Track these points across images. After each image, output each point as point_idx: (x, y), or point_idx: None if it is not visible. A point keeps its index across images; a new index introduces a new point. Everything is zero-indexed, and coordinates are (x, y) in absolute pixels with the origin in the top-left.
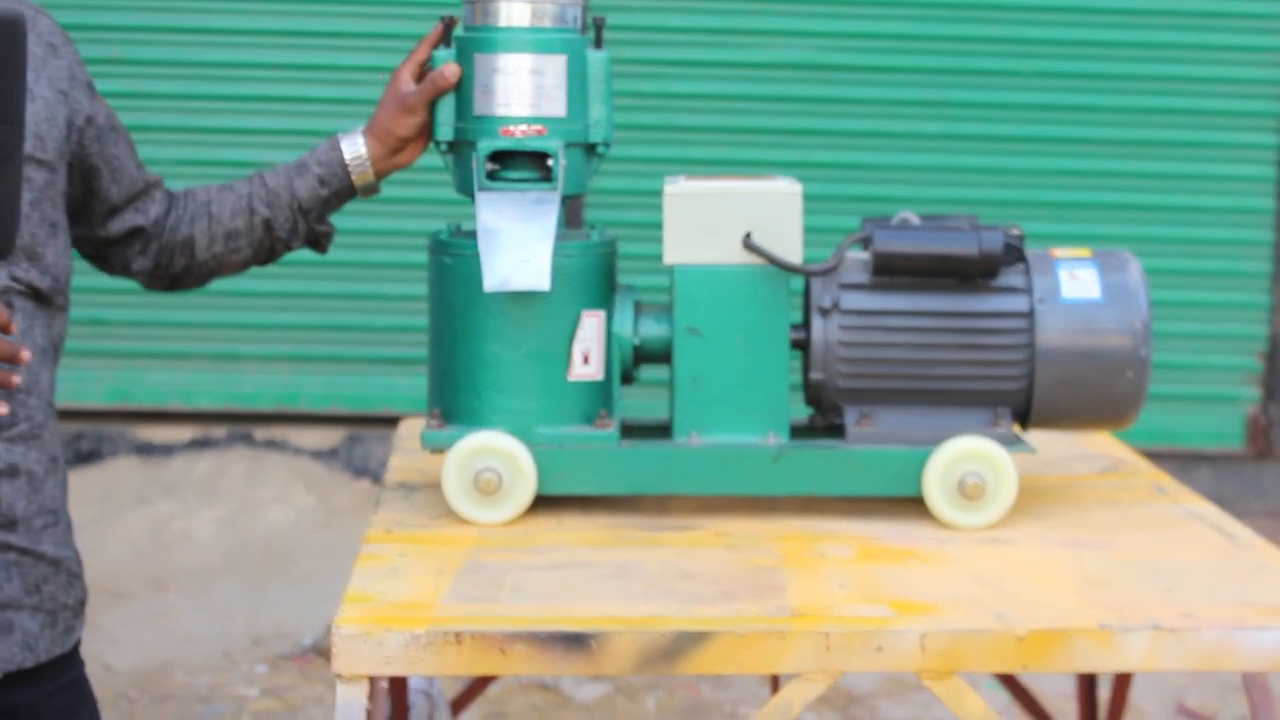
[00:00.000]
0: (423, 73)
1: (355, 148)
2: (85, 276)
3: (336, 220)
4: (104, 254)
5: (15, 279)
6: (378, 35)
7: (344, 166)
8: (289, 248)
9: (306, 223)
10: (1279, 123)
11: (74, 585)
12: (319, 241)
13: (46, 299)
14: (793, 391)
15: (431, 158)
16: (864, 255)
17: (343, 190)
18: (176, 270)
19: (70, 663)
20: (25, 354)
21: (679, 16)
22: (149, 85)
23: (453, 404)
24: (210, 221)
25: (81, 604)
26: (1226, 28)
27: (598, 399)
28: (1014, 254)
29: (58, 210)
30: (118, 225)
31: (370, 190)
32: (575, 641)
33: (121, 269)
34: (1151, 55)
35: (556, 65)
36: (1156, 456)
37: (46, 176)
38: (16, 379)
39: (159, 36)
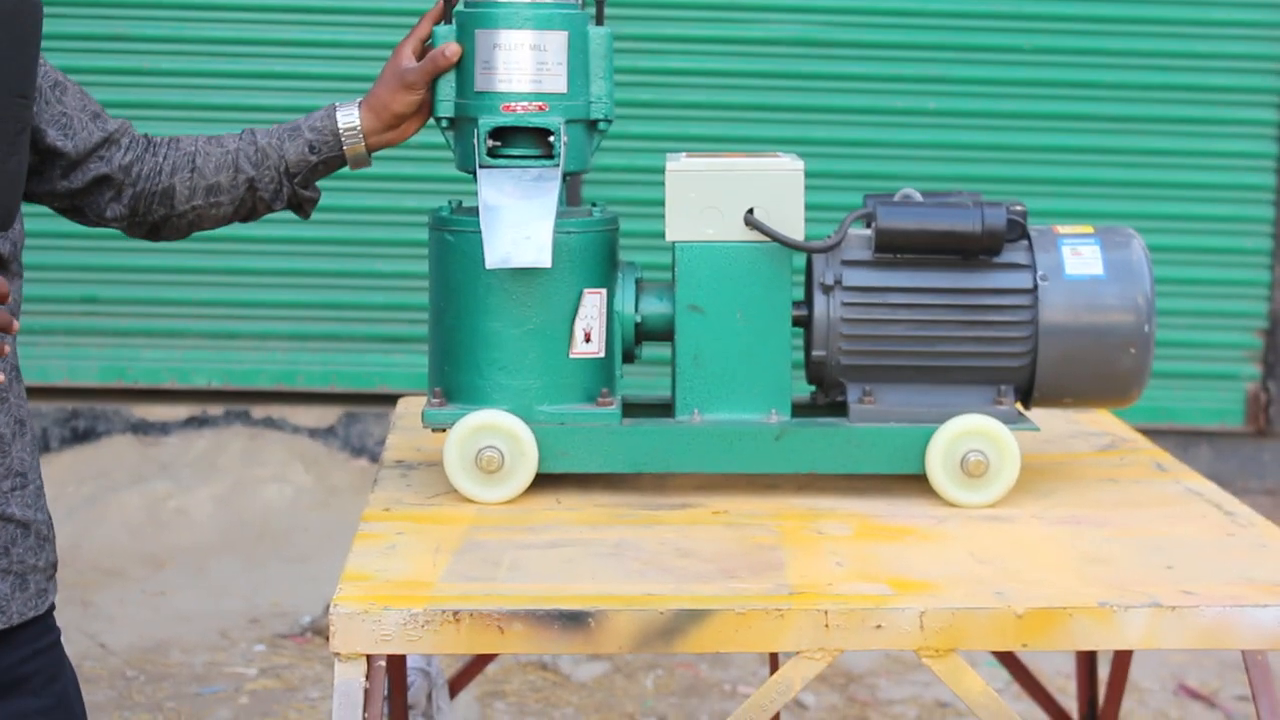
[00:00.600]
0: (424, 50)
1: (350, 118)
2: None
3: (334, 196)
4: (76, 206)
5: None
6: (381, 11)
7: (336, 135)
8: (270, 209)
9: (291, 186)
10: None
11: (44, 548)
12: (302, 206)
13: (5, 264)
14: (795, 369)
15: (430, 134)
16: (866, 232)
17: (332, 159)
18: (155, 219)
19: (46, 626)
20: (16, 324)
21: None
22: (152, 61)
23: (454, 382)
24: (193, 173)
25: (53, 567)
26: (1227, 2)
27: (599, 377)
28: (1017, 230)
29: None
30: (80, 176)
31: (360, 162)
32: (573, 620)
33: (96, 218)
34: (1152, 30)
35: (558, 41)
36: (1156, 434)
37: None
38: (7, 348)
39: (162, 13)
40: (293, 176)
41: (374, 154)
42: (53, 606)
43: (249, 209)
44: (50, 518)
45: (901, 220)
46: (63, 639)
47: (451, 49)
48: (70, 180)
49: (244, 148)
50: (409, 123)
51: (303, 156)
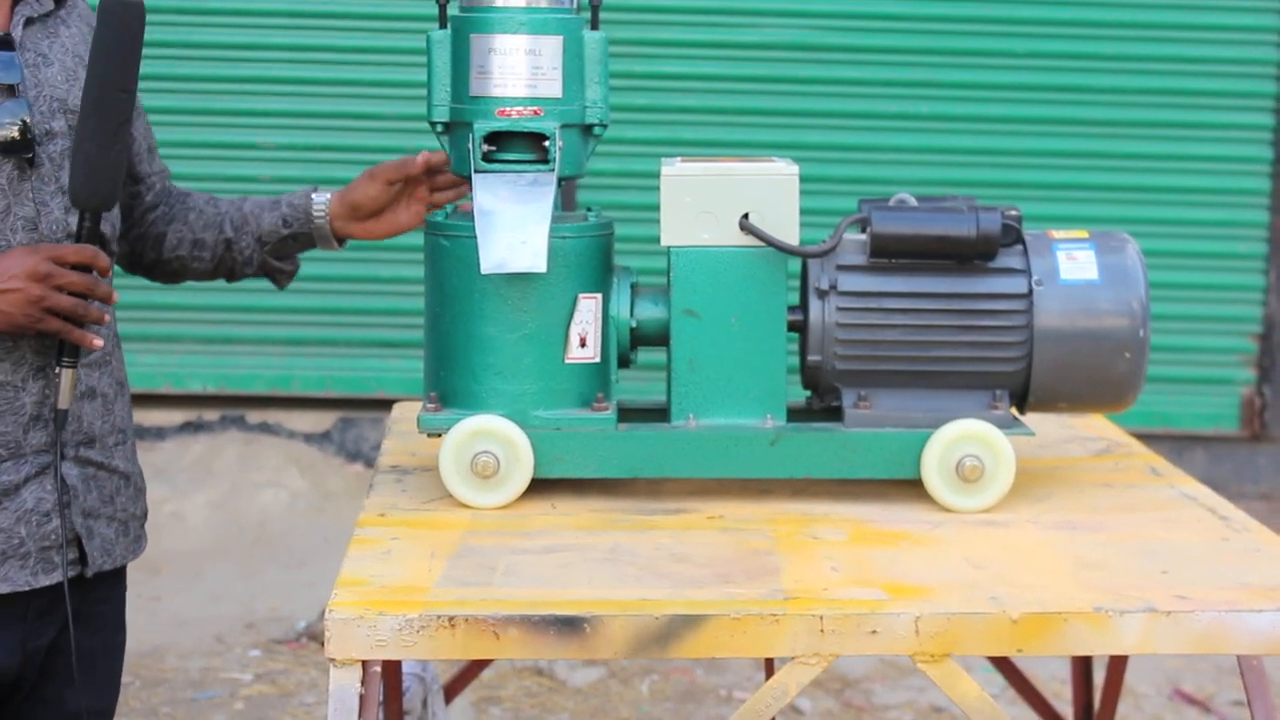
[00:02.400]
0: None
1: (322, 199)
2: None
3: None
4: None
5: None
6: (380, 15)
7: (307, 213)
8: (244, 273)
9: (262, 254)
10: (1275, 103)
11: (140, 498)
12: (274, 276)
13: (109, 241)
14: (790, 374)
15: (426, 139)
16: (861, 237)
17: (301, 235)
18: (147, 261)
19: (122, 580)
20: (116, 296)
21: None
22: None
23: (449, 387)
24: (185, 227)
25: (145, 515)
26: (1222, 7)
27: (595, 382)
28: (1012, 235)
29: None
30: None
31: (327, 243)
32: (569, 625)
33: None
34: (1146, 35)
35: (553, 46)
36: (1151, 439)
37: None
38: (108, 318)
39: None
40: (264, 245)
41: (344, 241)
42: (124, 568)
43: (228, 269)
44: (142, 471)
45: (896, 225)
46: None
47: (423, 157)
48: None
49: (231, 211)
50: (376, 221)
51: (275, 228)
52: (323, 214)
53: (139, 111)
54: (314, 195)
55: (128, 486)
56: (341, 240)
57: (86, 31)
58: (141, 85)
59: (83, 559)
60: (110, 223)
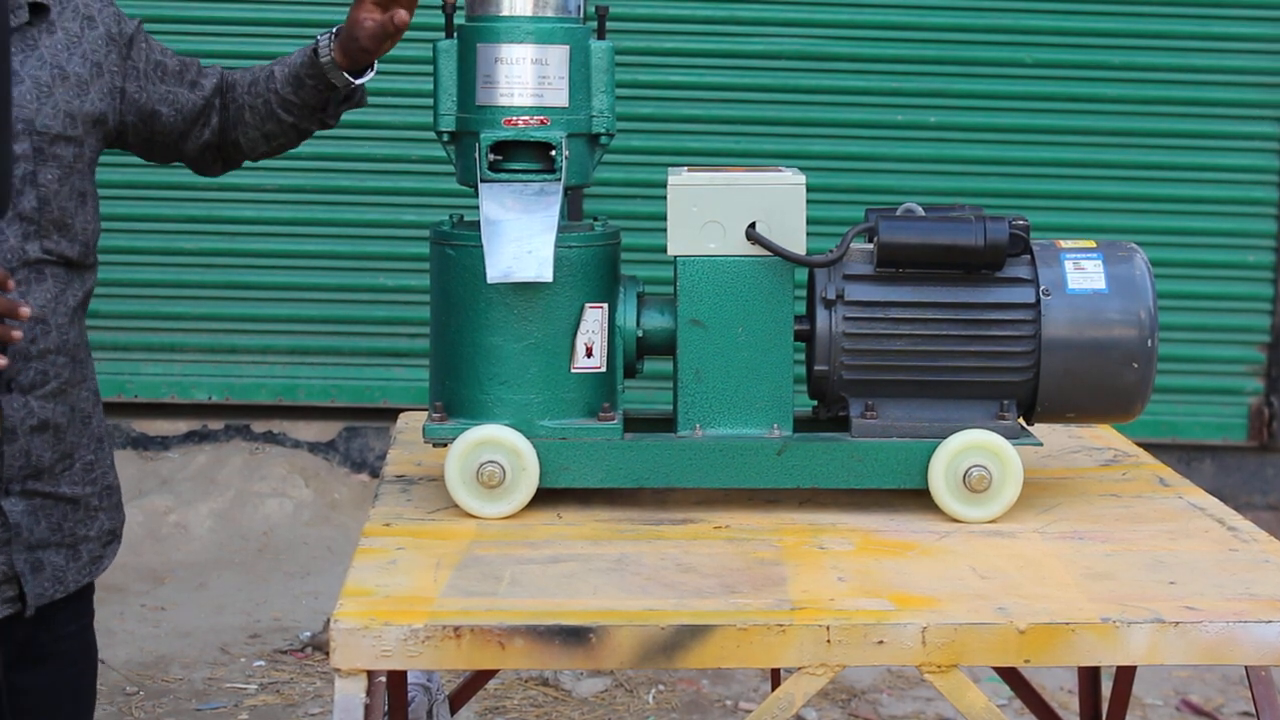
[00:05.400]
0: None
1: (325, 39)
2: None
3: (335, 210)
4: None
5: (48, 251)
6: None
7: (314, 52)
8: (309, 125)
9: (302, 105)
10: None
11: (94, 519)
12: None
13: (77, 264)
14: (796, 384)
15: (432, 148)
16: (868, 246)
17: (318, 78)
18: (239, 161)
19: (84, 606)
20: (25, 310)
21: (678, 6)
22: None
23: (455, 397)
24: (249, 127)
25: (109, 533)
26: (1229, 16)
27: (601, 391)
28: (1019, 245)
29: (86, 180)
30: (191, 145)
31: (340, 77)
32: (574, 635)
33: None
34: (1154, 45)
35: (559, 55)
36: (1159, 449)
37: (75, 151)
38: (18, 334)
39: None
40: (294, 99)
41: (364, 70)
42: (90, 588)
43: (299, 131)
44: (108, 485)
45: (903, 234)
46: None
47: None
48: (181, 151)
49: (266, 91)
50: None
51: (291, 74)
52: (327, 48)
53: (159, 64)
54: (320, 37)
55: (76, 510)
56: (359, 69)
57: (80, 31)
58: None
59: (21, 597)
60: (81, 241)
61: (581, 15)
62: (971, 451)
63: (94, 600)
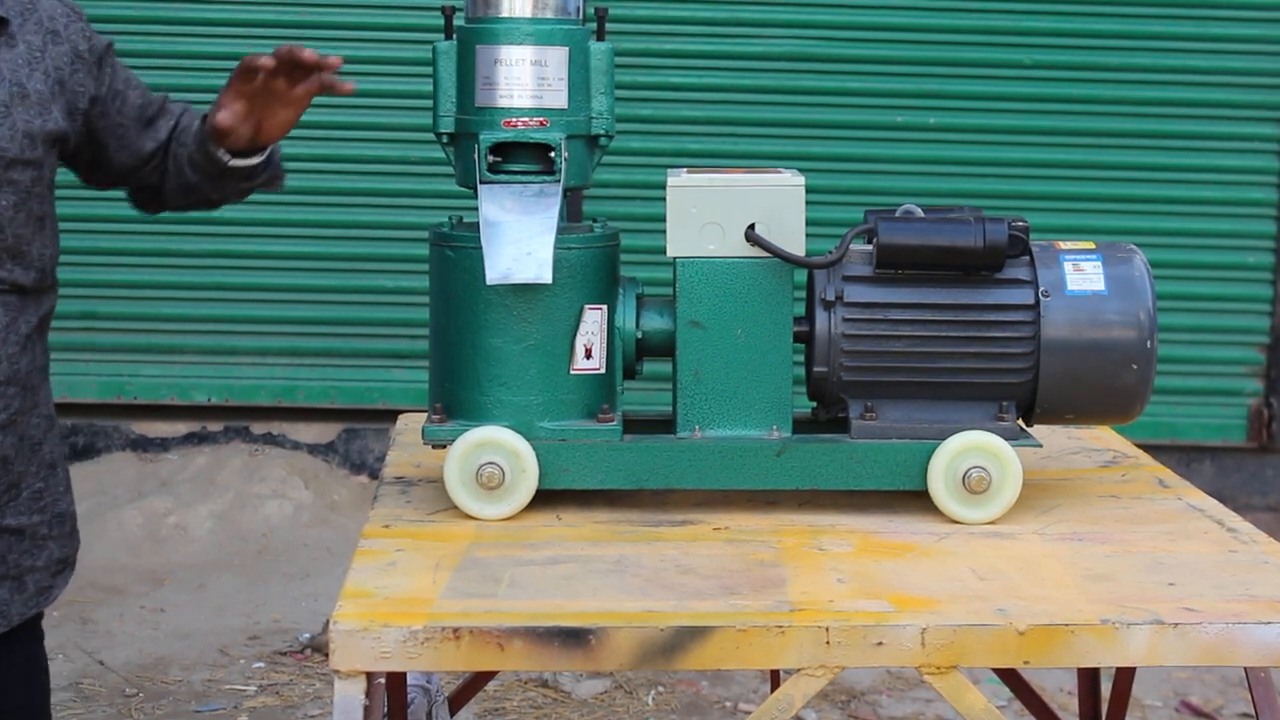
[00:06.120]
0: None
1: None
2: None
3: (334, 211)
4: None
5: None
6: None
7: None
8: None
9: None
10: None
11: (43, 547)
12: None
13: (32, 290)
14: (796, 385)
15: (431, 149)
16: (868, 247)
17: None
18: (173, 206)
19: (33, 633)
20: None
21: (677, 7)
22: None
23: (454, 398)
24: (178, 176)
25: (59, 562)
26: (1227, 17)
27: (600, 393)
28: (1019, 246)
29: (45, 204)
30: (133, 182)
31: (218, 163)
32: (574, 637)
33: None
34: (1153, 46)
35: (558, 57)
36: (1158, 450)
37: (34, 174)
38: None
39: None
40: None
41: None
42: (39, 615)
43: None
44: (59, 513)
45: (903, 236)
46: (61, 656)
47: (262, 61)
48: (122, 180)
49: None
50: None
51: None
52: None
53: (118, 93)
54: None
55: (21, 540)
56: (231, 150)
57: (43, 45)
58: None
59: None
60: (37, 268)
61: (581, 17)
62: (971, 453)
63: (42, 624)
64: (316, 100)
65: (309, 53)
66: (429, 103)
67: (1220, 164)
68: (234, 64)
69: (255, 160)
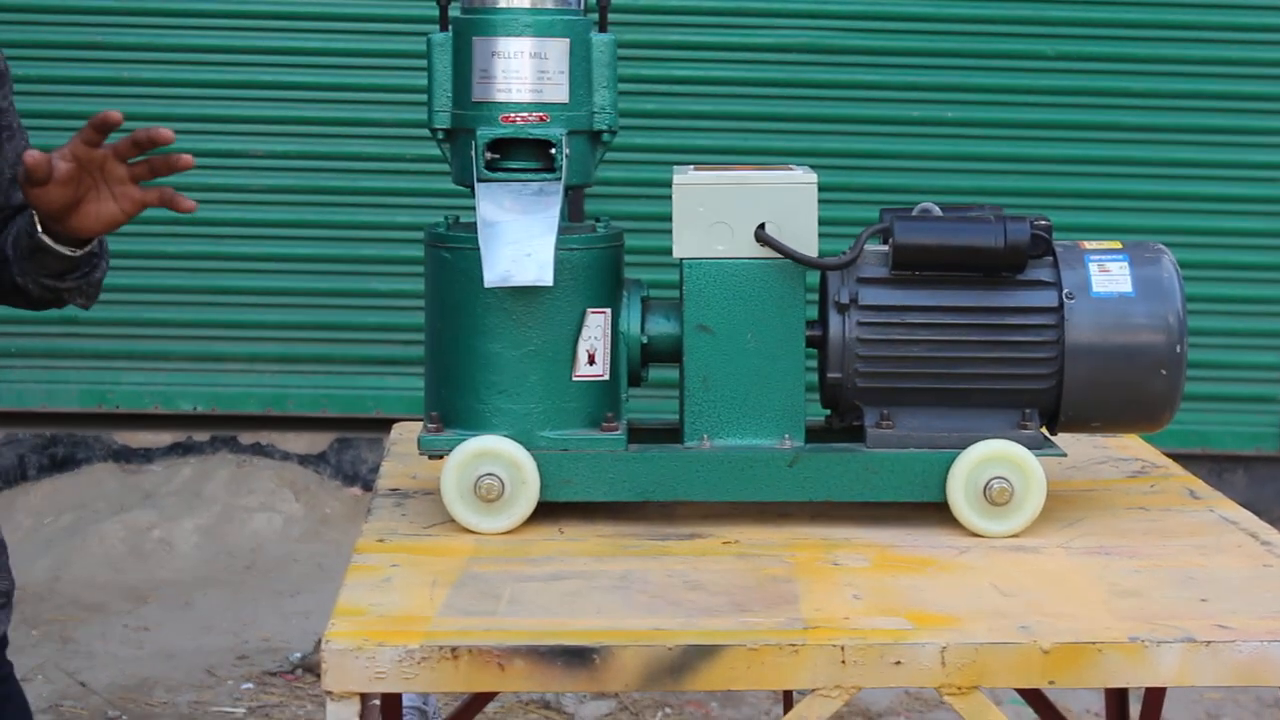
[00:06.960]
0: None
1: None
2: None
3: (325, 212)
4: None
5: None
6: (369, 16)
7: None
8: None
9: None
10: None
11: None
12: (62, 295)
13: None
14: (809, 392)
15: (426, 146)
16: (883, 248)
17: (36, 248)
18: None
19: None
20: None
21: None
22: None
23: (451, 406)
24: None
25: (3, 594)
26: (1260, 6)
27: (604, 401)
28: (1041, 246)
29: None
30: None
31: (55, 255)
32: (577, 656)
33: None
34: (1182, 36)
35: (559, 49)
36: (1188, 460)
37: None
38: None
39: (140, 20)
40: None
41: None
42: (4, 641)
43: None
44: None
45: (920, 235)
46: (41, 677)
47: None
48: None
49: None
50: (80, 216)
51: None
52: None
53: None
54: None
55: None
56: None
57: None
58: (129, 90)
59: None
60: None
61: (582, 7)
62: (992, 463)
63: (7, 651)
64: (304, 95)
65: (165, 133)
66: (423, 97)
67: (1253, 159)
68: (228, 56)
69: (72, 251)
